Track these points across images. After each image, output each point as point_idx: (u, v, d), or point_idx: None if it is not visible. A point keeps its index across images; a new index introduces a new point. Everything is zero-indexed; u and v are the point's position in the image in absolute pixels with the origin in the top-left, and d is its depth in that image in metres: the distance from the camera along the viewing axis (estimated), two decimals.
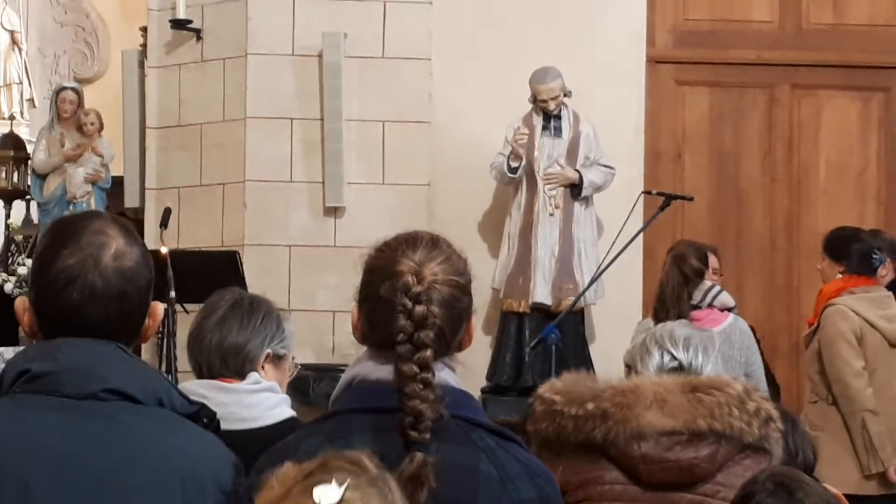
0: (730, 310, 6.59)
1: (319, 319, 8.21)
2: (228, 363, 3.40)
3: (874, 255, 6.71)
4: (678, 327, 3.55)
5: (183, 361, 5.06)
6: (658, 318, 6.39)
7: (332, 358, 8.14)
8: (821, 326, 6.62)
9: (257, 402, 3.35)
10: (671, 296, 6.42)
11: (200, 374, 3.42)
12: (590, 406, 3.03)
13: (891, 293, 6.76)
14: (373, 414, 2.37)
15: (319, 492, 1.84)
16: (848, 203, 8.94)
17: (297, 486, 1.89)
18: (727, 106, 9.03)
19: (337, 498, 1.83)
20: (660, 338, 3.48)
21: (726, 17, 9.05)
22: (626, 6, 8.82)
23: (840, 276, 6.70)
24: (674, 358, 3.43)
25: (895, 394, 6.59)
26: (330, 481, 1.85)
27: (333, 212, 8.53)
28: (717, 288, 6.58)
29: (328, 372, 7.65)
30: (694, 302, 6.46)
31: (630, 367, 3.57)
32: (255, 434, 3.21)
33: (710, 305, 6.50)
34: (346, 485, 1.84)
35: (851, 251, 6.71)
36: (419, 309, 2.36)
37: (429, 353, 2.36)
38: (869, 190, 9.01)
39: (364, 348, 2.49)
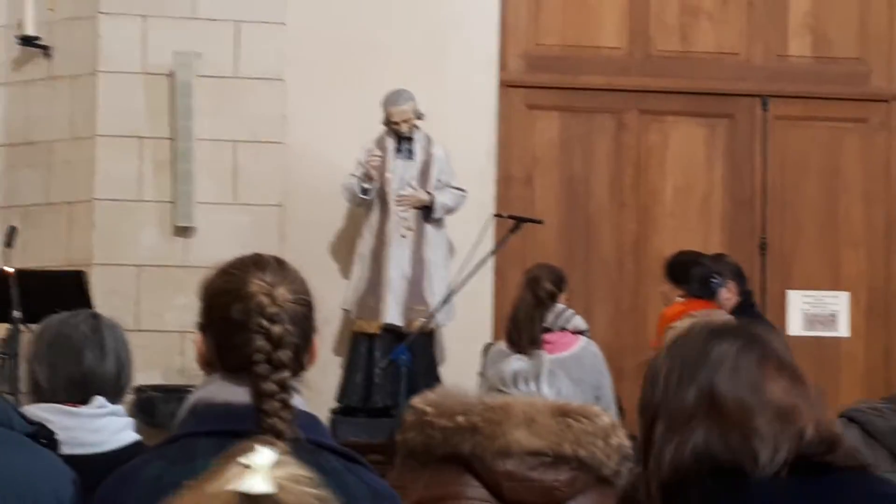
0: (582, 333, 6.67)
1: (168, 340, 8.14)
2: (80, 389, 3.35)
3: (713, 279, 6.83)
4: (507, 364, 3.58)
5: None
6: (511, 340, 6.45)
7: (180, 379, 8.07)
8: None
9: (102, 426, 3.31)
10: (524, 318, 6.48)
11: (41, 396, 3.36)
12: (460, 419, 3.05)
13: (731, 317, 6.89)
14: (218, 437, 2.36)
15: (249, 456, 1.72)
16: (693, 227, 9.11)
17: (212, 472, 1.79)
18: (577, 131, 9.15)
19: (272, 454, 1.73)
20: (493, 383, 3.52)
21: (577, 42, 9.18)
22: (478, 31, 8.90)
23: (680, 299, 6.81)
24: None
25: None
26: (253, 449, 1.77)
27: (183, 232, 8.46)
28: (570, 311, 6.65)
29: (176, 393, 7.58)
30: (546, 324, 6.52)
31: None
32: (99, 458, 3.17)
33: (563, 328, 6.57)
34: (273, 447, 1.77)
35: (691, 275, 6.82)
36: (277, 329, 2.38)
37: (287, 373, 2.37)
38: (714, 214, 9.18)
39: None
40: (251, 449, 1.73)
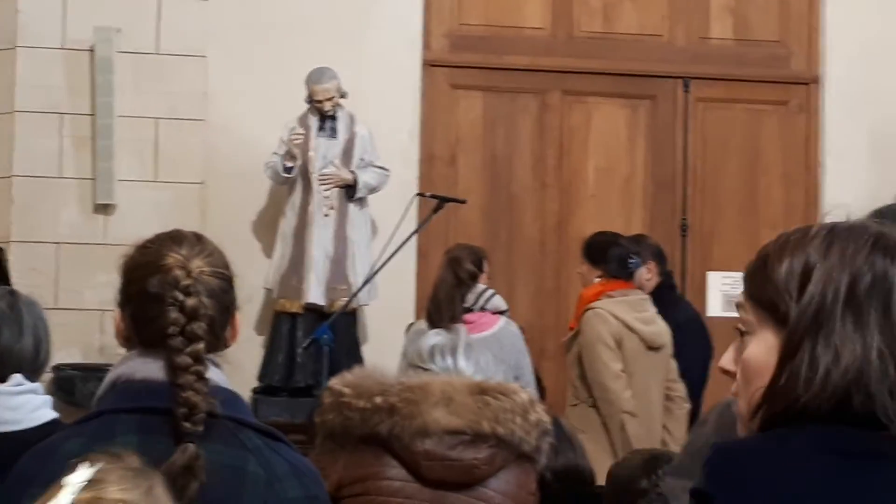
0: (502, 313, 6.69)
1: (87, 318, 8.07)
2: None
3: (631, 260, 6.88)
4: (425, 339, 3.60)
5: None
6: (431, 320, 6.46)
7: (99, 357, 8.00)
8: (580, 330, 6.75)
9: (20, 404, 3.28)
10: (444, 298, 6.50)
11: None
12: (378, 400, 3.05)
13: (648, 296, 6.94)
14: (138, 414, 2.35)
15: (69, 476, 1.78)
16: (615, 208, 9.15)
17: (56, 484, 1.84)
18: (500, 111, 9.16)
19: (84, 476, 1.78)
20: (412, 359, 3.53)
21: (500, 22, 9.18)
22: (402, 9, 8.88)
23: (598, 280, 6.85)
24: (426, 371, 3.46)
25: (653, 396, 6.77)
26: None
27: (104, 209, 8.38)
28: (491, 291, 6.67)
29: (95, 372, 7.51)
30: (467, 305, 6.54)
31: None
32: (16, 436, 3.14)
33: (483, 308, 6.59)
34: (97, 467, 1.80)
35: (609, 256, 6.85)
36: (191, 301, 2.37)
37: (202, 345, 2.37)
38: (636, 195, 9.23)
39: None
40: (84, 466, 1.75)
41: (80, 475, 1.76)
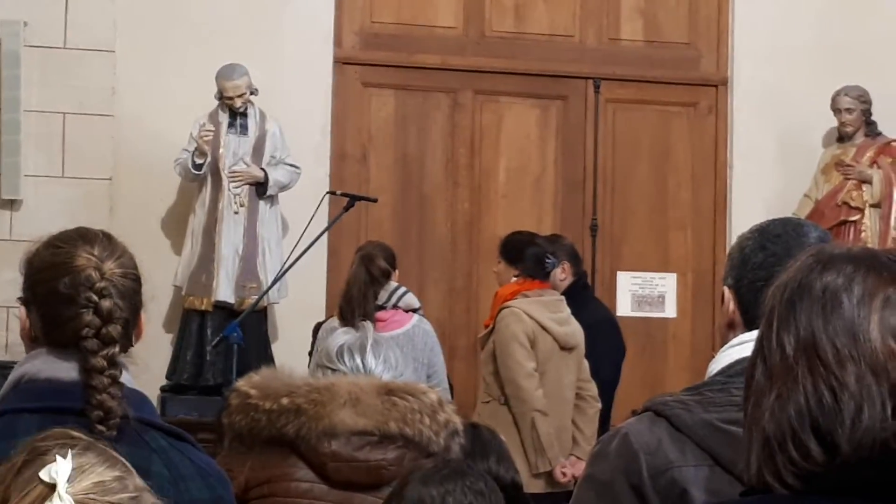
0: (415, 311, 6.70)
1: None
2: None
3: (547, 260, 6.92)
4: (333, 338, 3.58)
5: None
6: (343, 317, 6.45)
7: (4, 355, 7.91)
8: (495, 328, 6.78)
9: None
10: (357, 295, 6.48)
11: None
12: (284, 401, 3.04)
13: (563, 297, 6.99)
14: (41, 414, 2.32)
15: (49, 471, 1.67)
16: (526, 208, 9.18)
17: (14, 483, 1.75)
18: (412, 109, 9.15)
19: (70, 466, 1.68)
20: (320, 360, 3.52)
21: (412, 21, 9.18)
22: (313, 6, 8.85)
23: (515, 279, 6.88)
24: (334, 371, 3.45)
25: (564, 395, 6.81)
26: (53, 459, 1.72)
27: (10, 205, 8.28)
28: (403, 289, 6.68)
29: (1, 370, 7.42)
30: (380, 302, 6.53)
31: None
32: None
33: (396, 306, 6.59)
34: (70, 453, 1.72)
35: (526, 255, 6.89)
36: (106, 304, 2.36)
37: (117, 348, 2.36)
38: (546, 195, 9.27)
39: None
40: (50, 458, 1.68)
41: (62, 467, 1.68)
